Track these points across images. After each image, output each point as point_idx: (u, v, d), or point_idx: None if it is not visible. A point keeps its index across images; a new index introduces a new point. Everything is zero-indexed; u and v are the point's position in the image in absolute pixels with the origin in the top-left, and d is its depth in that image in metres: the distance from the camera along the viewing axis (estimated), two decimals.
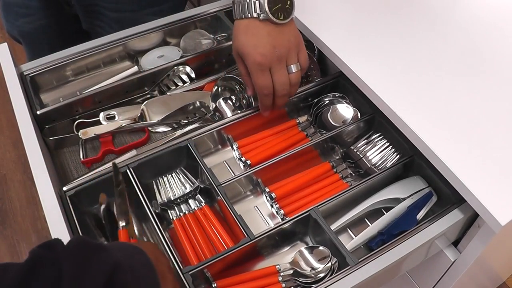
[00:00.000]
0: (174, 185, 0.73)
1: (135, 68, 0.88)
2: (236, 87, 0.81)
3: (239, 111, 0.78)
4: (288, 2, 0.70)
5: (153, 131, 0.81)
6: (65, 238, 0.60)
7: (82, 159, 0.78)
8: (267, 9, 0.68)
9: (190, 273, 0.59)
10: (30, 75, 0.84)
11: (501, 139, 0.66)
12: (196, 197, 0.72)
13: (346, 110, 0.79)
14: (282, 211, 0.68)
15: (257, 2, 0.69)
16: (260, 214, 0.71)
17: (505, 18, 0.83)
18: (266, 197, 0.71)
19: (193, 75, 0.85)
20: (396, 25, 0.82)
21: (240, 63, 0.74)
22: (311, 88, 0.81)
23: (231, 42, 0.87)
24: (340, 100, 0.80)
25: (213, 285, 0.61)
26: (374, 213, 0.70)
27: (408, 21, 0.82)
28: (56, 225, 0.61)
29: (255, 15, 0.69)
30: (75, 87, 0.89)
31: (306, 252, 0.63)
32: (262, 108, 0.75)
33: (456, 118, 0.68)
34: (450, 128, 0.66)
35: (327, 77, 0.82)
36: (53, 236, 0.60)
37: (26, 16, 1.05)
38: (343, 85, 0.81)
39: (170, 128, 0.81)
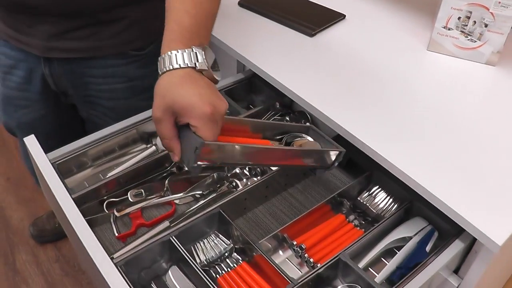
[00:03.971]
0: (210, 248, 0.81)
1: (153, 148, 0.97)
2: None
3: (255, 179, 0.89)
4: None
5: (179, 203, 0.90)
6: None
7: (117, 234, 0.85)
8: (205, 59, 0.66)
9: None
10: (56, 163, 0.91)
11: (488, 169, 0.80)
12: (233, 255, 0.80)
13: None
14: (311, 260, 0.78)
15: (193, 53, 0.66)
16: (292, 265, 0.80)
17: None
18: (294, 249, 0.80)
19: None
20: (376, 83, 0.97)
21: (168, 124, 0.66)
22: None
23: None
24: None
25: None
26: (387, 253, 0.82)
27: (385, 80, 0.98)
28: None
29: (191, 64, 0.65)
30: (95, 171, 0.97)
31: None
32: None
33: (444, 160, 0.82)
34: (442, 171, 0.80)
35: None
36: None
37: (25, 108, 1.11)
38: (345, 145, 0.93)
39: (193, 199, 0.90)
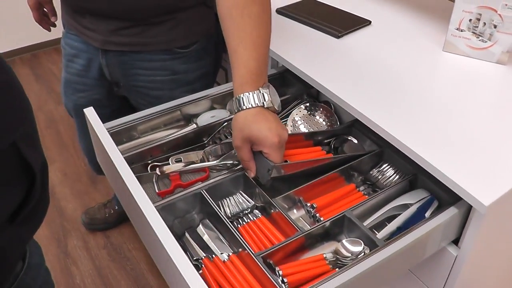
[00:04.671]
0: (235, 204, 0.94)
1: (194, 126, 1.12)
2: None
3: None
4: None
5: (212, 170, 1.03)
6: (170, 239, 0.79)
7: (157, 191, 0.99)
8: (271, 98, 0.85)
9: (261, 256, 0.79)
10: (110, 131, 1.07)
11: (481, 141, 0.89)
12: (254, 211, 0.92)
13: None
14: (322, 218, 0.89)
15: (260, 94, 0.84)
16: (304, 222, 0.91)
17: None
18: (307, 210, 0.92)
19: None
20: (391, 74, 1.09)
21: (246, 150, 0.86)
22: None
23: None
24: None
25: (276, 269, 0.80)
26: (390, 219, 0.91)
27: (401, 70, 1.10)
28: (160, 228, 0.79)
29: (260, 104, 0.84)
30: (141, 142, 1.12)
31: (346, 243, 0.84)
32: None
33: (443, 138, 0.92)
34: (442, 147, 0.90)
35: (344, 123, 1.08)
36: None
37: (82, 92, 1.30)
38: (359, 128, 1.06)
39: (225, 168, 1.03)
